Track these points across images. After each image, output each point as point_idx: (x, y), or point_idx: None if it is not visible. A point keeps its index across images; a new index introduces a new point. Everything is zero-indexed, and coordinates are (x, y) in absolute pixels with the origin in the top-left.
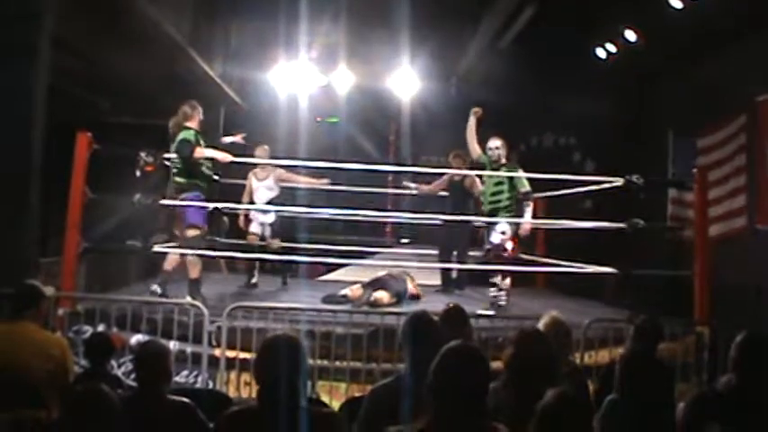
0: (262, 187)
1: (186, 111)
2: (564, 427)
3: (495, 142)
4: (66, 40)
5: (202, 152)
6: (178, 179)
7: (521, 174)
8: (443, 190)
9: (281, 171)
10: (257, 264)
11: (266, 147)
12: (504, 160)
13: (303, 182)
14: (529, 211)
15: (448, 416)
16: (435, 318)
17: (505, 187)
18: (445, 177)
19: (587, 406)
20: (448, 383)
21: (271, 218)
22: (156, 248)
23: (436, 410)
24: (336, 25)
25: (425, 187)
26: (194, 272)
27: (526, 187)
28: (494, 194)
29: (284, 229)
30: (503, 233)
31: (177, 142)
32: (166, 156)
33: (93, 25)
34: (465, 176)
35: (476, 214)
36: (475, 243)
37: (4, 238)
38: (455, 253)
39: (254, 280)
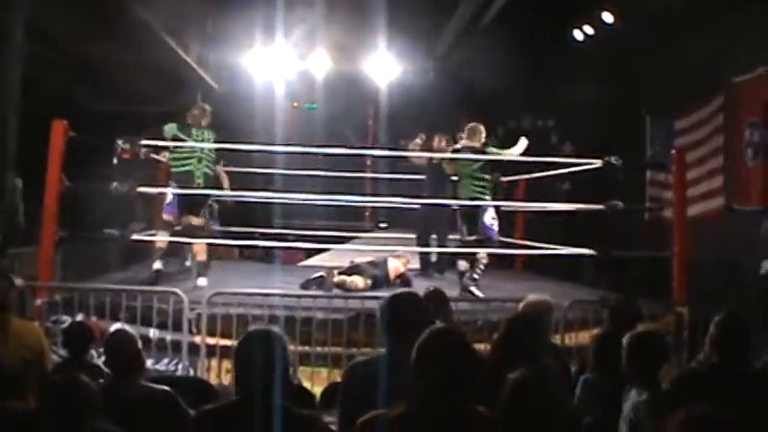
0: None
1: None
2: (526, 410)
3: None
4: (39, 28)
5: None
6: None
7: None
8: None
9: None
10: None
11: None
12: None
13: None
14: None
15: (431, 399)
16: (418, 300)
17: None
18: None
19: (550, 387)
20: (431, 366)
21: None
22: (134, 237)
23: (419, 393)
24: (313, 9)
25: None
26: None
27: None
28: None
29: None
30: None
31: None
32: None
33: (67, 13)
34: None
35: (454, 197)
36: (454, 226)
37: None
38: (434, 236)
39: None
